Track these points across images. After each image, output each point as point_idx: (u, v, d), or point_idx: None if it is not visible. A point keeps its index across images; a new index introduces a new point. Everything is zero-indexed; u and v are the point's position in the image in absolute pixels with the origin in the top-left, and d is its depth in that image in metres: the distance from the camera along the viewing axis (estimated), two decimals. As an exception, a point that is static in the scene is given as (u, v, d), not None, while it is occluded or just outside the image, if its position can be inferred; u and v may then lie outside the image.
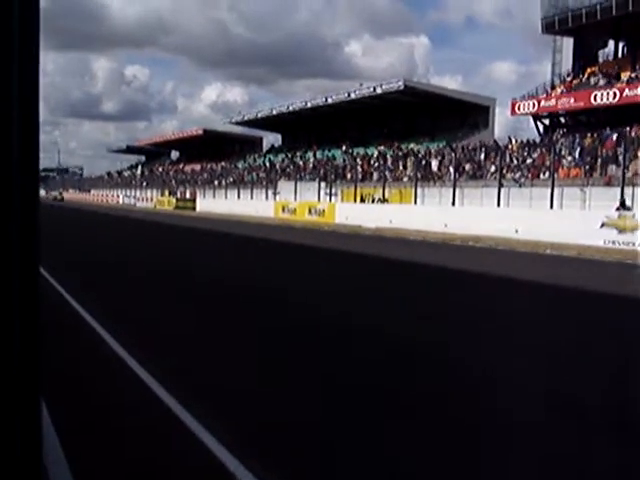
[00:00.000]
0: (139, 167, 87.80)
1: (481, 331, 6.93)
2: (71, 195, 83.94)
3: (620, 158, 24.20)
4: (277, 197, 40.78)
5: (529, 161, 31.17)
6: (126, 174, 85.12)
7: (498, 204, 25.49)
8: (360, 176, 36.94)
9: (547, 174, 27.37)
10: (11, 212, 1.64)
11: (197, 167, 67.25)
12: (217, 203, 48.13)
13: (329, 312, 7.83)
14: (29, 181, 1.68)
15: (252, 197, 44.60)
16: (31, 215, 1.68)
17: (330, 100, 50.26)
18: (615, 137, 28.25)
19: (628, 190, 21.96)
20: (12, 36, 1.60)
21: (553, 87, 38.65)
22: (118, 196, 69.07)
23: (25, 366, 1.68)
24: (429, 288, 10.54)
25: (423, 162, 35.07)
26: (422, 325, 7.18)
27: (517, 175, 29.95)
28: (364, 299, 8.95)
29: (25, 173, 1.67)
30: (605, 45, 39.40)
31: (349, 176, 38.80)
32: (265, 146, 68.58)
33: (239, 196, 46.04)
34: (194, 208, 50.01)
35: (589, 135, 30.81)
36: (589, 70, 37.68)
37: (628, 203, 21.12)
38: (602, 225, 19.48)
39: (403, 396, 4.55)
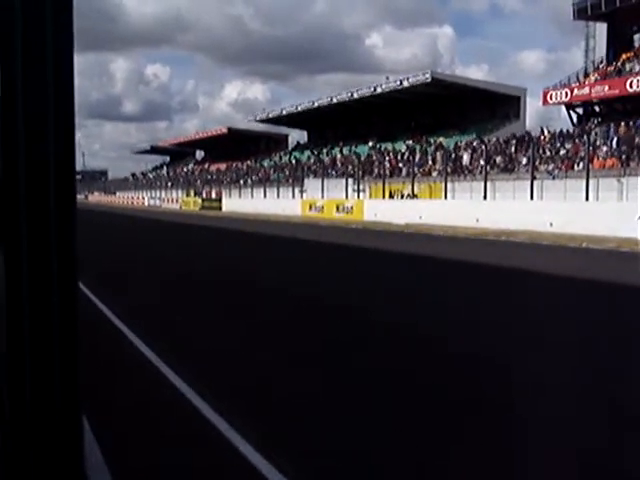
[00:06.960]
0: (164, 168, 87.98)
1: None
2: (98, 198, 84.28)
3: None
4: (304, 195, 40.20)
5: (562, 152, 30.54)
6: (151, 175, 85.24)
7: (531, 197, 24.59)
8: (388, 172, 36.21)
9: (581, 165, 26.71)
10: (49, 216, 1.71)
11: (222, 166, 67.06)
12: (243, 202, 47.79)
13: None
14: (66, 185, 1.75)
15: (278, 195, 44.12)
16: (69, 219, 1.74)
17: (356, 95, 49.53)
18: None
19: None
20: (46, 44, 1.73)
21: (586, 75, 37.61)
22: (143, 198, 68.85)
23: (65, 377, 1.75)
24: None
25: (453, 156, 34.31)
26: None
27: (550, 167, 29.33)
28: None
29: (62, 177, 1.74)
30: (641, 29, 38.12)
31: (377, 172, 38.15)
32: (291, 143, 68.10)
33: (265, 195, 45.58)
34: (220, 208, 49.68)
35: (625, 124, 29.97)
36: (624, 56, 36.46)
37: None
38: (641, 217, 18.65)
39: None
